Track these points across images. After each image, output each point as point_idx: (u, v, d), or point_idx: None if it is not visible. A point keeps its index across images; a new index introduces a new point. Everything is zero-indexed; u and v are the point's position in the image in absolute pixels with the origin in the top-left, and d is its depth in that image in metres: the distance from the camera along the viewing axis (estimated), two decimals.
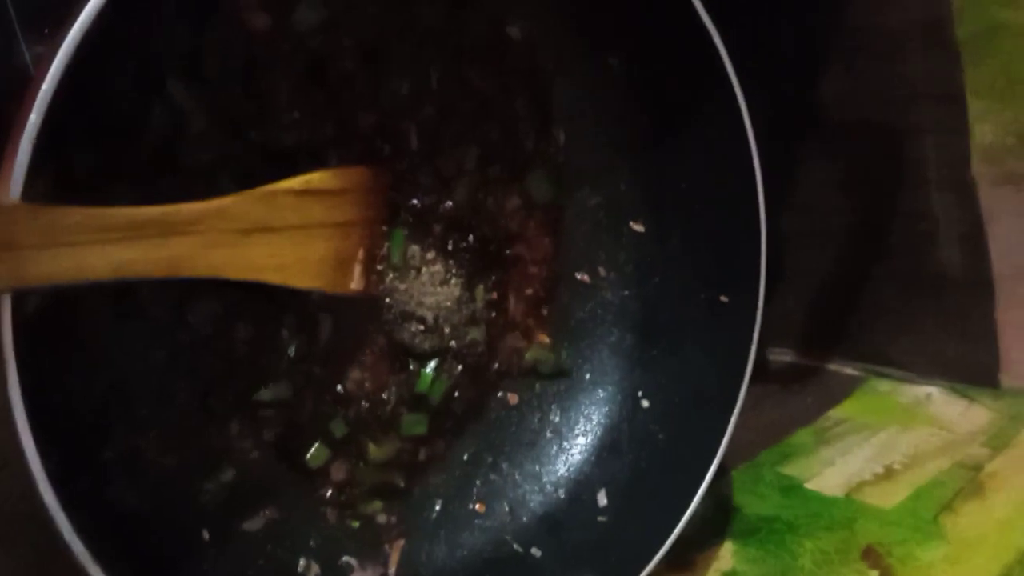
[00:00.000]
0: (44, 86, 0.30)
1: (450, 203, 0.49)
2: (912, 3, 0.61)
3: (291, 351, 0.45)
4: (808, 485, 0.58)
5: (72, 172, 0.34)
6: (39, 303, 0.35)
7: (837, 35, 0.64)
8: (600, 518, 0.49)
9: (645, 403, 0.52)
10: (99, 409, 0.38)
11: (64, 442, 0.34)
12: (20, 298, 0.33)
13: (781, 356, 0.75)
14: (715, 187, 0.49)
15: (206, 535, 0.41)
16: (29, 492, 0.32)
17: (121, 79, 0.37)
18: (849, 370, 0.72)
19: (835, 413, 0.67)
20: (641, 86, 0.50)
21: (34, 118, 0.30)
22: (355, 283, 0.45)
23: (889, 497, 0.55)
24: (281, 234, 0.40)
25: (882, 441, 0.62)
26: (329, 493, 0.46)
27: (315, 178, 0.42)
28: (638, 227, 0.53)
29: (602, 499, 0.50)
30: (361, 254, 0.45)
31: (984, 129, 0.60)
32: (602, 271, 0.54)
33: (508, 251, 0.51)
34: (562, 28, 0.49)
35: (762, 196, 0.47)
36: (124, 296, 0.39)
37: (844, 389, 0.70)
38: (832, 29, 0.64)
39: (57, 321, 0.36)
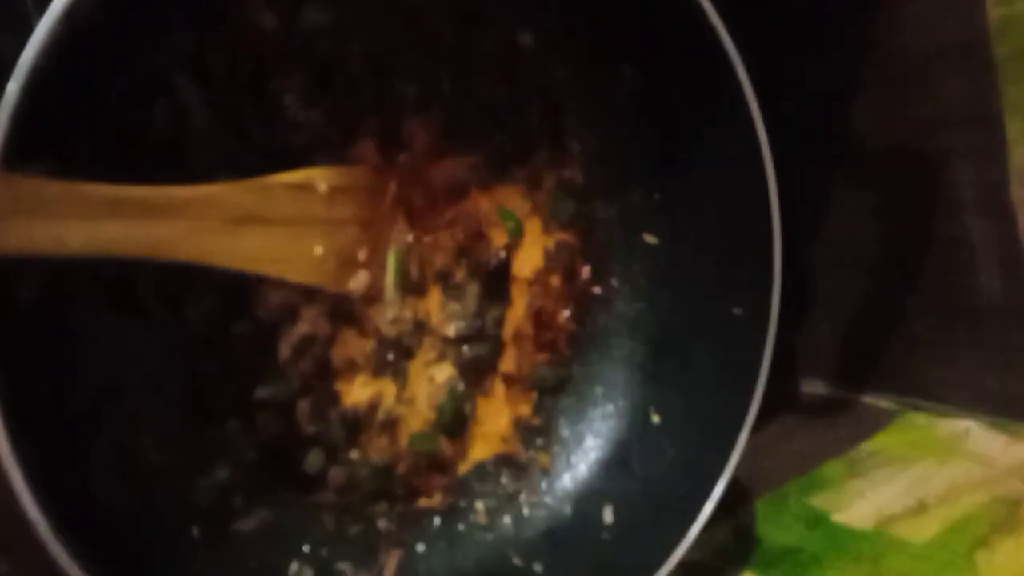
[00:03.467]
0: (25, 55, 0.31)
1: (457, 215, 0.49)
2: (947, 23, 0.60)
3: (289, 352, 0.44)
4: (835, 517, 0.56)
5: (71, 159, 0.35)
6: (33, 292, 0.35)
7: (868, 58, 0.63)
8: (605, 535, 0.48)
9: (655, 418, 0.50)
10: (91, 403, 0.38)
11: (49, 434, 0.34)
12: (14, 284, 0.34)
13: (814, 388, 0.73)
14: (729, 199, 0.48)
15: (196, 533, 0.41)
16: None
17: (121, 69, 0.38)
18: (884, 403, 0.69)
19: (868, 445, 0.64)
20: (655, 98, 0.49)
21: (13, 87, 0.30)
22: (356, 283, 0.45)
23: (921, 531, 0.53)
24: (277, 227, 0.41)
25: (916, 474, 0.60)
26: (326, 497, 0.46)
27: (315, 174, 0.42)
28: (651, 239, 0.52)
29: (608, 516, 0.48)
30: (363, 255, 0.45)
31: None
32: (615, 283, 0.53)
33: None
34: (575, 38, 0.49)
35: (776, 206, 0.45)
36: (121, 290, 0.39)
37: (878, 422, 0.67)
38: (863, 51, 0.63)
39: (51, 311, 0.36)
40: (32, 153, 0.32)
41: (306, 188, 0.42)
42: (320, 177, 0.43)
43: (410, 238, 0.47)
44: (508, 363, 0.51)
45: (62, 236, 0.33)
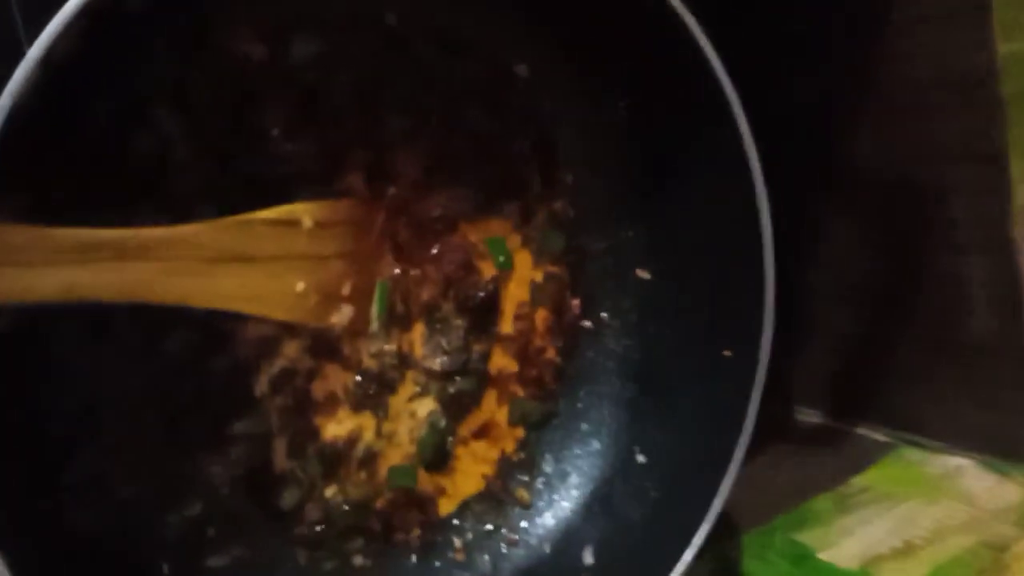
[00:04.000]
0: (5, 94, 0.30)
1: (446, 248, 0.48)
2: (953, 55, 0.59)
3: (267, 386, 0.44)
4: (822, 555, 0.55)
5: (48, 196, 0.34)
6: (9, 322, 0.34)
7: (869, 85, 0.62)
8: None
9: (640, 458, 0.50)
10: (64, 428, 0.38)
11: (21, 458, 0.34)
12: None
13: (808, 417, 0.72)
14: (722, 238, 0.47)
15: (167, 569, 0.40)
16: None
17: (102, 100, 0.37)
18: (879, 436, 0.68)
19: (858, 480, 0.64)
20: (649, 131, 0.48)
21: None
22: (339, 317, 0.45)
23: (907, 573, 0.52)
24: (256, 264, 0.40)
25: (904, 513, 0.59)
26: (302, 533, 0.45)
27: (298, 209, 0.42)
28: (644, 274, 0.51)
29: (588, 557, 0.48)
30: (347, 289, 0.45)
31: None
32: (606, 318, 0.52)
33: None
34: (568, 69, 0.48)
35: (770, 252, 0.45)
36: (97, 321, 0.39)
37: (871, 455, 0.66)
38: (864, 78, 0.62)
39: (27, 340, 0.35)
40: (9, 191, 0.32)
41: (289, 224, 0.41)
42: (304, 212, 0.42)
43: (397, 271, 0.47)
44: (491, 398, 0.50)
45: (32, 284, 0.32)
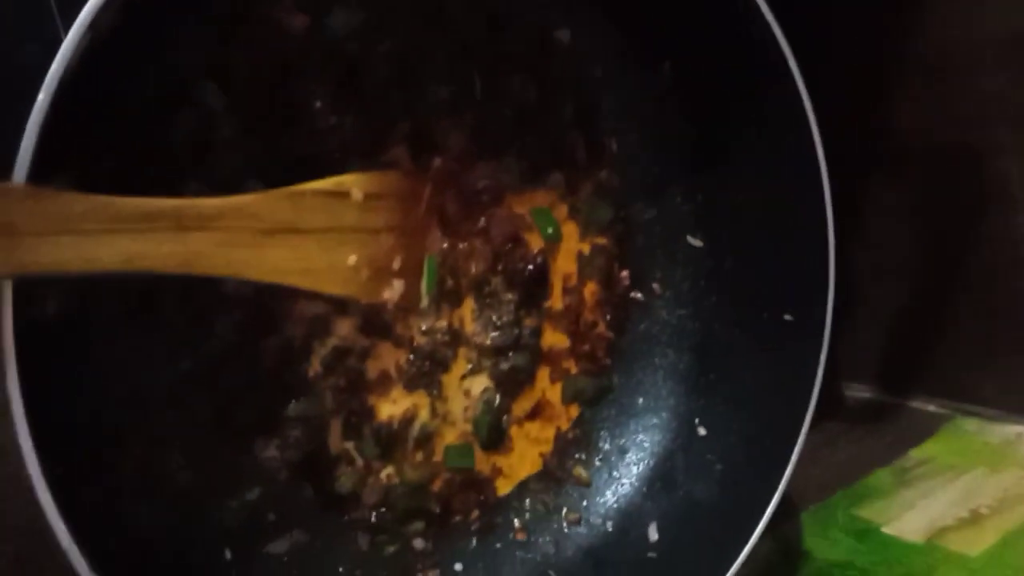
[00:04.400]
0: (53, 67, 0.30)
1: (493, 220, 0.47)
2: (991, 16, 0.58)
3: (320, 367, 0.43)
4: (885, 529, 0.54)
5: (95, 168, 0.34)
6: (57, 307, 0.34)
7: (910, 51, 0.62)
8: (650, 554, 0.46)
9: (702, 431, 0.49)
10: (115, 419, 0.37)
11: (73, 450, 0.33)
12: (38, 300, 0.32)
13: (859, 392, 0.71)
14: (778, 198, 0.46)
15: (228, 555, 0.40)
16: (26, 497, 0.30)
17: (145, 76, 0.36)
18: (932, 408, 0.67)
19: (916, 453, 0.63)
20: (697, 94, 0.48)
21: (42, 97, 0.29)
22: (390, 293, 0.44)
23: (975, 544, 0.51)
24: (308, 236, 0.39)
25: (968, 484, 0.58)
26: (360, 516, 0.44)
27: (347, 180, 0.41)
28: (696, 242, 0.50)
29: (653, 534, 0.47)
30: (398, 263, 0.44)
31: None
32: (657, 288, 0.51)
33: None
34: (613, 33, 0.47)
35: (830, 206, 0.44)
36: (144, 304, 0.38)
37: (927, 428, 0.65)
38: (904, 43, 0.61)
39: (74, 326, 0.34)
40: (57, 166, 0.31)
41: (339, 196, 0.40)
42: (353, 184, 0.41)
43: (445, 245, 0.46)
44: (544, 376, 0.49)
45: (93, 253, 0.32)
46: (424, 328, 0.46)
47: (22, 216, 0.30)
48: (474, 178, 0.46)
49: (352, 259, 0.41)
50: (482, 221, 0.47)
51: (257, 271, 0.37)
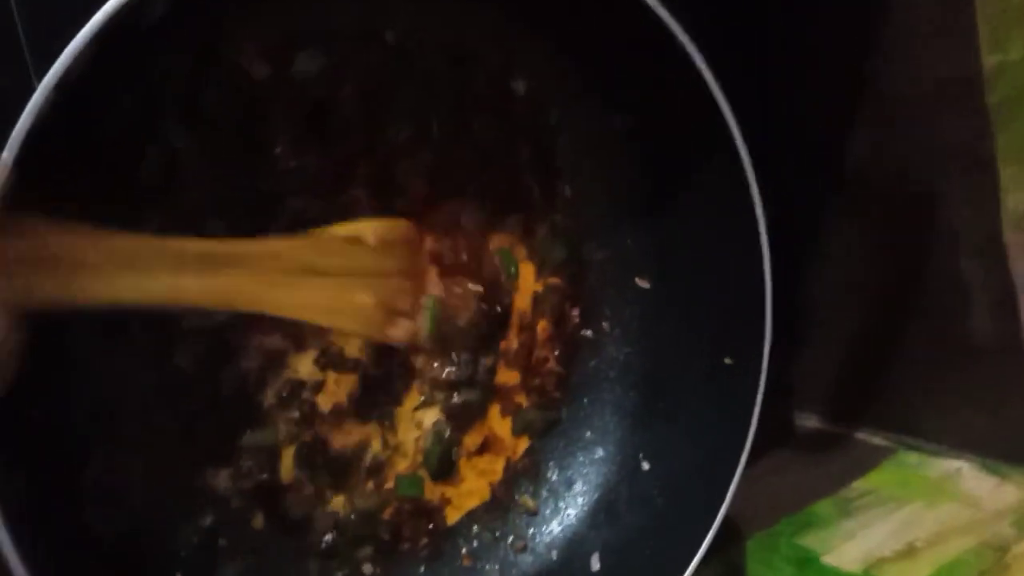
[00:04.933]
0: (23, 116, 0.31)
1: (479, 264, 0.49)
2: (942, 65, 0.60)
3: (274, 398, 0.44)
4: (825, 559, 0.56)
5: (61, 192, 0.35)
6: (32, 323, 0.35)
7: (865, 94, 0.63)
8: None
9: (645, 465, 0.50)
10: (81, 429, 0.39)
11: (39, 458, 0.35)
12: None
13: (807, 421, 0.72)
14: (720, 247, 0.47)
15: None
16: None
17: (111, 118, 0.37)
18: (877, 440, 0.69)
19: (860, 484, 0.64)
20: (646, 144, 0.49)
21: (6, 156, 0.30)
22: (397, 331, 0.46)
23: (909, 575, 0.52)
24: (331, 278, 0.42)
25: (906, 516, 0.59)
26: (312, 542, 0.45)
27: (362, 227, 0.43)
28: (643, 283, 0.52)
29: (595, 563, 0.48)
30: (405, 304, 0.46)
31: (1016, 197, 0.58)
32: (606, 327, 0.53)
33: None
34: (567, 84, 0.49)
35: (767, 259, 0.45)
36: (115, 325, 0.40)
37: (871, 459, 0.67)
38: (860, 88, 0.63)
39: (47, 339, 0.36)
40: (22, 207, 0.32)
41: (357, 241, 0.43)
42: (368, 230, 0.44)
43: (439, 288, 0.48)
44: (495, 411, 0.51)
45: (147, 288, 0.35)
46: (436, 365, 0.48)
47: (85, 252, 0.32)
48: (464, 221, 0.48)
49: (367, 300, 0.43)
50: (471, 264, 0.49)
51: (283, 308, 0.40)
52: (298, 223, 0.43)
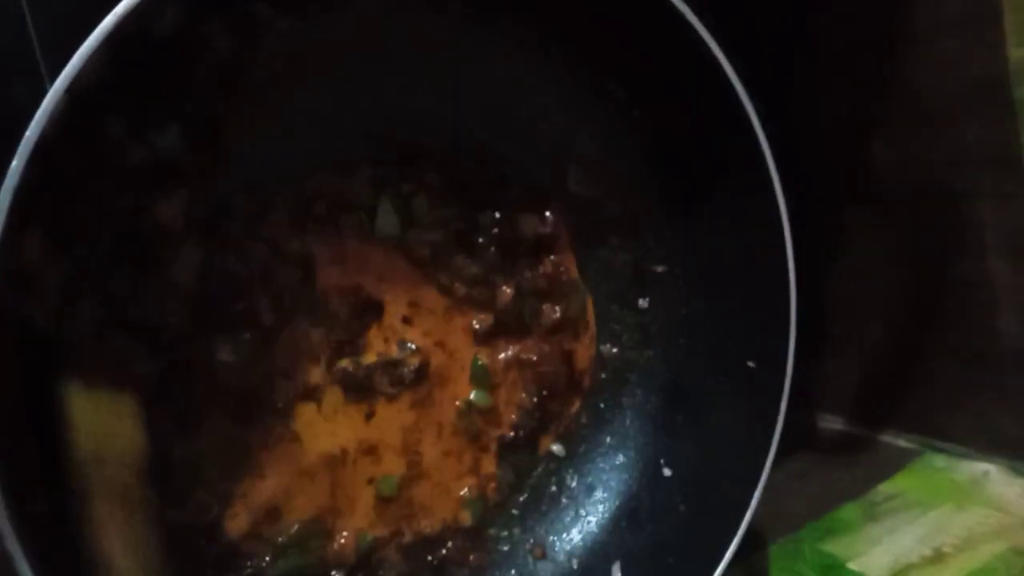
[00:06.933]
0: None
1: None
2: (969, 63, 0.59)
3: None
4: (851, 565, 0.55)
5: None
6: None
7: (889, 95, 0.62)
8: None
9: (667, 471, 0.50)
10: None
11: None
12: None
13: (832, 424, 0.71)
14: (744, 249, 0.47)
15: None
16: None
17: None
18: (903, 442, 0.68)
19: (885, 488, 0.63)
20: (667, 144, 0.48)
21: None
22: None
23: None
24: None
25: (934, 521, 0.58)
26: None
27: None
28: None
29: (616, 572, 0.48)
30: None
31: None
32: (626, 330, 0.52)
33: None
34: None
35: (791, 260, 0.44)
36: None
37: (897, 462, 0.66)
38: (884, 88, 0.62)
39: None
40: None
41: None
42: None
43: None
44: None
45: None
46: None
47: None
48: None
49: None
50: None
51: None
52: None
